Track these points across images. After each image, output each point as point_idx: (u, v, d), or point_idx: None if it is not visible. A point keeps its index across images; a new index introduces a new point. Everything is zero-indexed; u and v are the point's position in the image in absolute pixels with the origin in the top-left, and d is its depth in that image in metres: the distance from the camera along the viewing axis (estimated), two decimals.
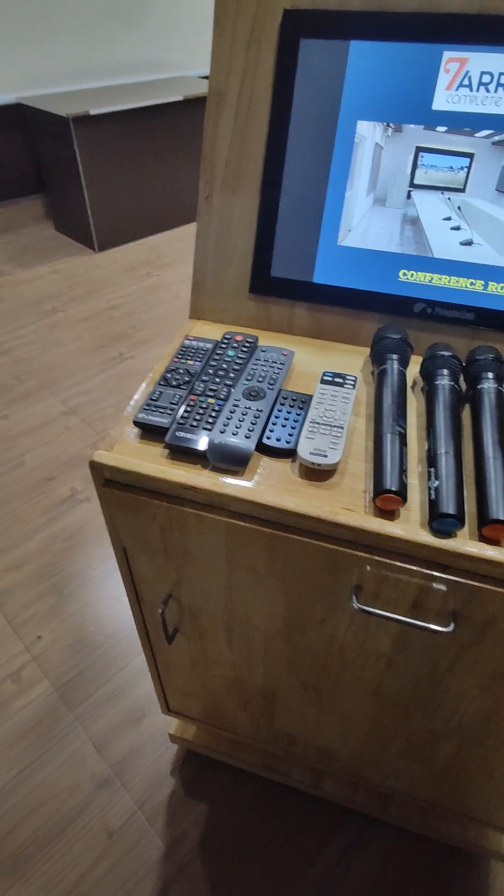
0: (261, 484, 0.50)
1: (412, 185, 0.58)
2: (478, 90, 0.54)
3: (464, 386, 0.57)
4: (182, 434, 0.53)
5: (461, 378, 0.57)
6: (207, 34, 3.10)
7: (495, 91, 0.53)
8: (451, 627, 0.49)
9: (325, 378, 0.58)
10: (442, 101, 0.55)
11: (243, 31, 0.57)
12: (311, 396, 0.57)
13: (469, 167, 0.57)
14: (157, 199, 2.92)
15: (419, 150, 0.57)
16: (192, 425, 0.54)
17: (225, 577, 0.58)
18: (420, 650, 0.56)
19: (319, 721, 0.76)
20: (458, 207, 0.58)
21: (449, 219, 0.59)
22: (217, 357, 0.61)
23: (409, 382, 0.60)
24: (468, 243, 0.59)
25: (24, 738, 1.12)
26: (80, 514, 1.56)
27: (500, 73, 0.53)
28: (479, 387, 0.54)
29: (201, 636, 0.70)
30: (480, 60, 0.53)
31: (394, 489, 0.46)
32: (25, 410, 1.89)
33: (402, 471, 0.48)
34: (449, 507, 0.45)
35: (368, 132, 0.58)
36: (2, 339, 2.21)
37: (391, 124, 0.57)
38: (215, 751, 1.01)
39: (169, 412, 0.55)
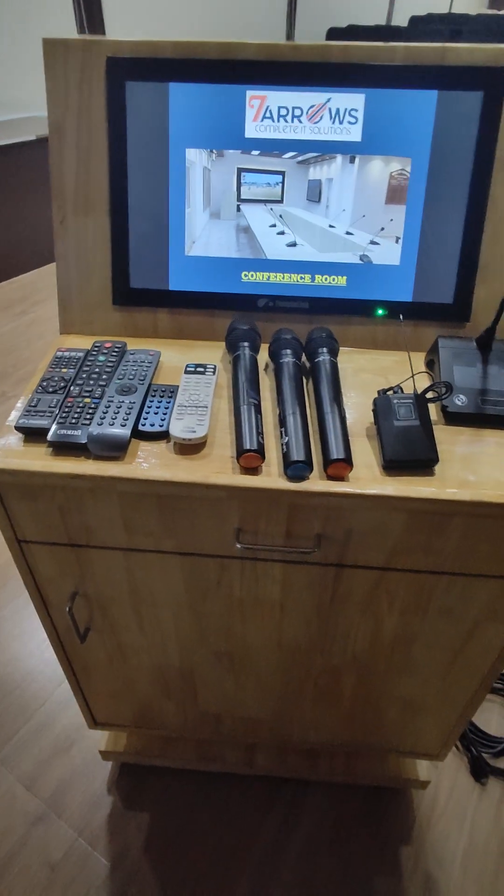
0: (141, 464, 0.56)
1: (239, 199, 0.69)
2: (278, 121, 0.66)
3: (306, 363, 0.68)
4: (63, 431, 0.58)
5: (303, 356, 0.68)
6: None
7: (292, 121, 0.65)
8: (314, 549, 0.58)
9: (189, 369, 0.66)
10: (252, 130, 0.66)
11: (73, 74, 0.65)
12: (177, 386, 0.64)
13: (283, 182, 0.68)
14: (22, 237, 2.89)
15: (240, 170, 0.68)
16: (71, 423, 0.59)
17: (125, 555, 0.63)
18: (304, 589, 0.65)
19: (238, 688, 0.82)
20: (280, 216, 0.69)
21: (274, 226, 0.70)
22: (89, 363, 0.67)
23: (262, 366, 0.70)
24: (293, 245, 0.70)
25: None
26: None
27: (294, 107, 0.65)
28: (316, 360, 0.65)
29: (113, 629, 0.74)
30: (276, 97, 0.65)
31: (253, 448, 0.55)
32: None
33: (259, 433, 0.56)
34: (298, 454, 0.54)
35: (196, 157, 0.67)
36: None
37: (214, 150, 0.67)
38: (148, 755, 1.03)
39: (48, 415, 0.60)
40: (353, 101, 0.64)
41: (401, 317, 0.70)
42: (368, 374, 0.69)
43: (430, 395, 0.60)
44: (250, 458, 0.55)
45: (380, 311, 0.71)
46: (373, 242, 0.69)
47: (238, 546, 0.58)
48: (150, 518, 0.59)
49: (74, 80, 0.65)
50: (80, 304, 0.73)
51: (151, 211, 0.69)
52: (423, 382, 0.66)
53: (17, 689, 1.24)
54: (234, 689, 0.82)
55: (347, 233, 0.69)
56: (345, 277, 0.71)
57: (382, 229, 0.69)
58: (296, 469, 0.54)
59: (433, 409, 0.63)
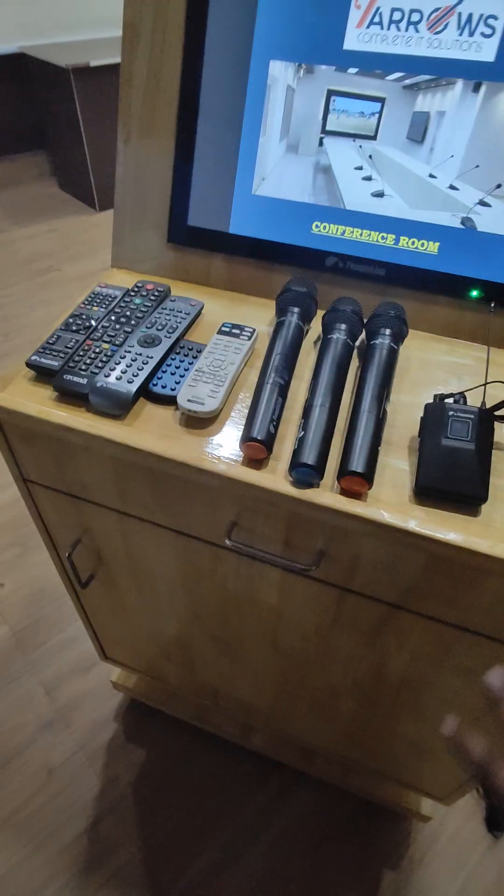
0: (139, 429, 0.50)
1: (324, 131, 0.56)
2: (388, 28, 0.51)
3: (365, 342, 0.56)
4: (69, 377, 0.53)
5: (361, 333, 0.56)
6: None
7: (406, 30, 0.51)
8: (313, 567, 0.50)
9: (223, 329, 0.57)
10: (353, 39, 0.53)
11: None
12: (206, 346, 0.56)
13: (380, 113, 0.54)
14: None
15: (331, 93, 0.55)
16: (81, 369, 0.54)
17: (120, 518, 0.59)
18: (303, 602, 0.57)
19: (233, 673, 0.78)
20: (370, 156, 0.56)
21: (360, 168, 0.57)
22: (123, 305, 0.61)
23: (314, 336, 0.59)
24: (380, 195, 0.57)
25: None
26: None
27: (411, 10, 0.50)
28: (373, 342, 0.53)
29: (113, 583, 0.72)
30: None
31: (259, 438, 0.46)
32: (10, 368, 1.90)
33: (272, 421, 0.47)
34: (309, 456, 0.45)
35: (281, 73, 0.56)
36: None
37: (303, 65, 0.55)
38: (153, 699, 1.04)
39: (62, 355, 0.55)
40: (493, 2, 0.48)
41: (492, 305, 0.55)
42: (438, 369, 0.56)
43: (500, 412, 0.46)
44: (254, 449, 0.46)
45: (474, 293, 0.57)
46: (482, 203, 0.54)
47: (228, 542, 0.51)
48: (143, 488, 0.54)
49: None
50: (133, 237, 0.66)
51: (222, 135, 0.59)
52: (498, 393, 0.51)
53: (59, 600, 1.31)
54: (230, 672, 0.78)
55: (451, 186, 0.54)
56: (437, 244, 0.56)
57: (499, 186, 0.53)
58: (301, 473, 0.45)
59: (500, 431, 0.49)
